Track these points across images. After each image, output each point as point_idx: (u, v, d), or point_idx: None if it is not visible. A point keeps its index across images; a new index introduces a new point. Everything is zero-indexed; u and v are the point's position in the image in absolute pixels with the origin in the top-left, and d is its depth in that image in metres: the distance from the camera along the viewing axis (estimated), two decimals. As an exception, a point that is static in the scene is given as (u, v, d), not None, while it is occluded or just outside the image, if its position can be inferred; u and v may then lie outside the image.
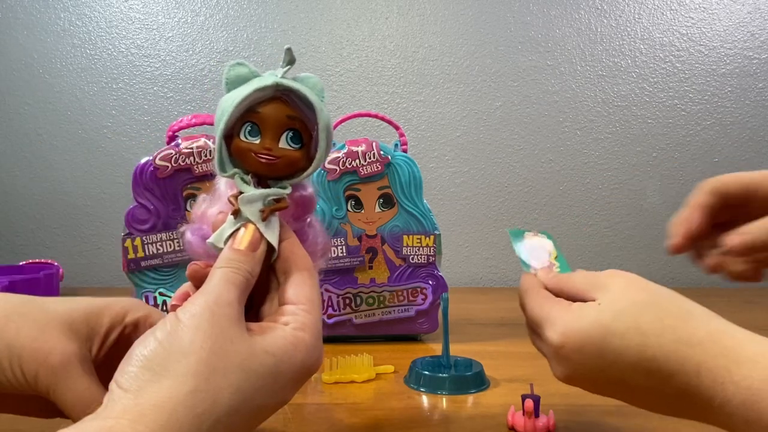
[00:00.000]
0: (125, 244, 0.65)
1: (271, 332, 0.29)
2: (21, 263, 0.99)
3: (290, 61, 0.34)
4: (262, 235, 0.33)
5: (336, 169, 0.69)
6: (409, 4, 1.19)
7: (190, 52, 1.18)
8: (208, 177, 0.65)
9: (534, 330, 0.39)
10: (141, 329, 0.34)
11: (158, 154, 0.65)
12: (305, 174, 0.35)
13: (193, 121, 0.65)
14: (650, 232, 1.21)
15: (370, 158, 0.69)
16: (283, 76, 0.33)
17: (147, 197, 0.65)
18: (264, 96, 0.33)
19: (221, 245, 0.32)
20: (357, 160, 0.69)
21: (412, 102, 1.20)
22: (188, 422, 0.24)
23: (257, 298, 0.34)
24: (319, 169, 0.36)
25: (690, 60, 1.20)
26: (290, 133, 0.33)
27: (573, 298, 0.37)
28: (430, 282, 0.71)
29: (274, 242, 0.33)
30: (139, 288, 0.66)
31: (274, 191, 0.33)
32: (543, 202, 1.22)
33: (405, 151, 0.73)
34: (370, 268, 0.71)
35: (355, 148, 0.69)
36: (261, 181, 0.34)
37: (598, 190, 1.21)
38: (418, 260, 0.71)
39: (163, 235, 0.65)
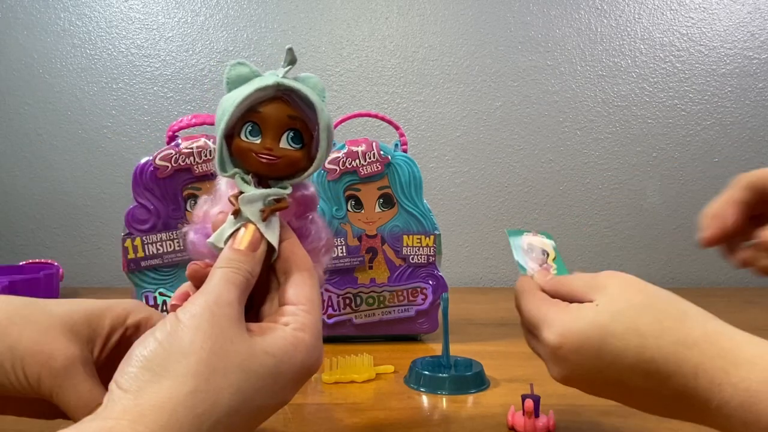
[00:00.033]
0: (125, 244, 0.65)
1: (271, 333, 0.29)
2: (21, 263, 0.99)
3: (291, 61, 0.34)
4: (262, 235, 0.33)
5: (336, 169, 0.69)
6: (409, 4, 1.19)
7: (190, 52, 1.18)
8: (208, 177, 0.65)
9: (530, 331, 0.39)
10: (142, 331, 0.34)
11: (158, 154, 0.65)
12: (306, 174, 0.35)
13: (193, 121, 0.65)
14: (650, 232, 1.21)
15: (370, 158, 0.69)
16: (284, 76, 0.33)
17: (147, 197, 0.65)
18: (265, 96, 0.33)
19: (221, 245, 0.32)
20: (357, 160, 0.69)
21: (412, 102, 1.20)
22: (188, 423, 0.24)
23: (257, 298, 0.34)
24: (319, 169, 0.36)
25: (690, 60, 1.20)
26: (291, 133, 0.33)
27: (570, 300, 0.37)
28: (430, 282, 0.71)
29: (275, 242, 0.33)
30: (139, 288, 0.66)
31: (274, 191, 0.33)
32: (543, 202, 1.22)
33: (405, 151, 0.73)
34: (370, 268, 0.71)
35: (355, 148, 0.69)
36: (261, 181, 0.34)
37: (598, 190, 1.22)
38: (418, 260, 0.71)
39: (163, 235, 0.65)
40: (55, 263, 0.98)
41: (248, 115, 0.33)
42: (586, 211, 1.22)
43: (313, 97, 0.33)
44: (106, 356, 0.34)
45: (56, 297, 0.90)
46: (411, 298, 0.71)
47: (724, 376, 0.29)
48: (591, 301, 0.35)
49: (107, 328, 0.34)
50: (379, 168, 0.70)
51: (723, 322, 0.32)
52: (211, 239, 0.33)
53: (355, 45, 1.19)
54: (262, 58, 1.17)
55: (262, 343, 0.28)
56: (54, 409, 0.32)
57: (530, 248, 0.44)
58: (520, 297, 0.40)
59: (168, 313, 0.29)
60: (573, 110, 1.21)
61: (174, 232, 0.65)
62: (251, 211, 0.33)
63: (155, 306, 0.65)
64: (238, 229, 0.33)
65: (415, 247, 0.71)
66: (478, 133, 1.20)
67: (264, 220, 0.33)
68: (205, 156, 0.65)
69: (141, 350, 0.26)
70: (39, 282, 0.86)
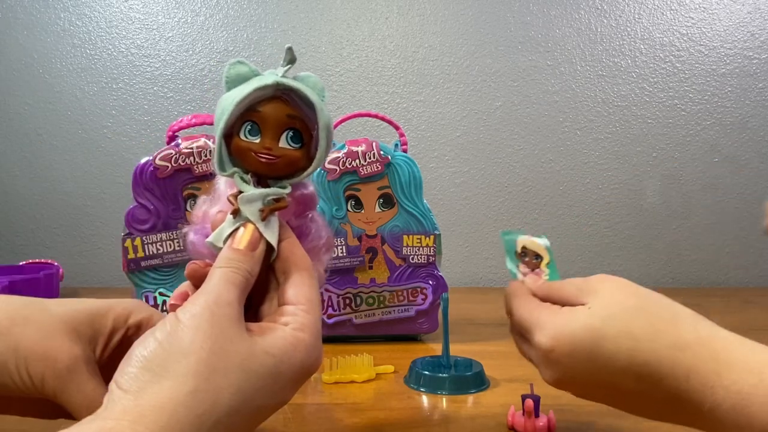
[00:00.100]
0: (125, 244, 0.65)
1: (270, 333, 0.29)
2: (21, 263, 0.99)
3: (291, 60, 0.34)
4: (261, 235, 0.32)
5: (336, 169, 0.69)
6: (409, 4, 1.19)
7: (190, 52, 1.18)
8: (208, 177, 0.65)
9: (522, 335, 0.39)
10: (143, 331, 0.34)
11: (158, 154, 0.65)
12: (305, 174, 0.35)
13: (193, 121, 0.65)
14: (650, 232, 1.21)
15: (370, 158, 0.69)
16: (283, 76, 0.33)
17: (147, 197, 0.65)
18: (264, 95, 0.33)
19: (220, 244, 0.32)
20: (357, 160, 0.69)
21: (412, 102, 1.20)
22: (189, 423, 0.24)
23: (256, 297, 0.34)
24: (318, 168, 0.35)
25: (690, 60, 1.20)
26: (290, 133, 0.33)
27: (562, 304, 0.37)
28: (430, 282, 0.71)
29: (274, 242, 0.33)
30: (139, 288, 0.66)
31: (273, 191, 0.33)
32: (543, 202, 1.22)
33: (405, 151, 0.73)
34: (370, 268, 0.71)
35: (355, 148, 0.69)
36: (261, 181, 0.34)
37: (598, 190, 1.21)
38: (418, 260, 0.71)
39: (163, 235, 0.65)
40: (55, 263, 0.98)
41: (247, 114, 0.33)
42: (586, 211, 1.22)
43: (313, 96, 0.33)
44: (108, 356, 0.34)
45: (56, 297, 0.90)
46: (411, 298, 0.71)
47: (717, 379, 0.29)
48: (583, 305, 0.35)
49: (109, 327, 0.34)
50: (379, 168, 0.70)
51: (715, 325, 0.32)
52: (210, 239, 0.33)
53: (355, 45, 1.19)
54: (262, 58, 1.17)
55: (262, 343, 0.28)
56: (57, 409, 0.32)
57: (524, 252, 0.44)
58: (511, 301, 0.40)
59: (167, 312, 0.29)
60: (573, 110, 1.20)
61: (174, 232, 0.65)
62: (250, 211, 0.33)
63: (155, 306, 0.65)
64: (237, 229, 0.33)
65: (415, 247, 0.71)
66: (478, 133, 1.20)
67: (263, 219, 0.33)
68: (205, 156, 0.65)
69: (141, 350, 0.26)
70: (39, 282, 0.86)
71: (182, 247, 0.65)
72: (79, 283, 1.15)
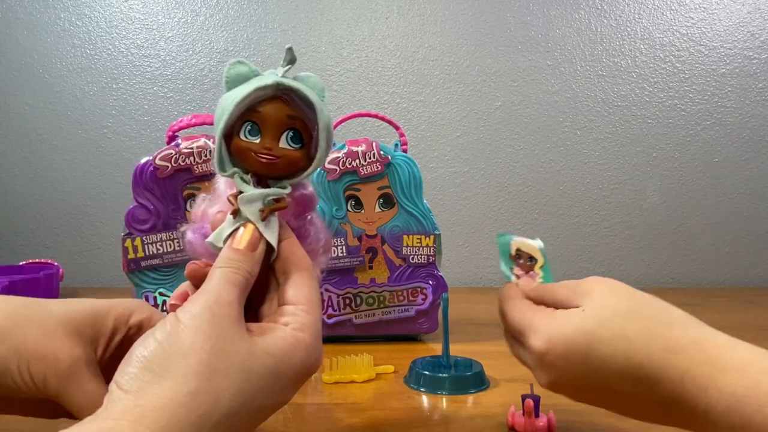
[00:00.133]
0: (125, 244, 0.65)
1: (271, 333, 0.29)
2: (21, 263, 0.99)
3: (291, 60, 0.34)
4: (261, 235, 0.32)
5: (336, 169, 0.69)
6: (409, 4, 1.19)
7: (190, 52, 1.18)
8: (208, 177, 0.65)
9: (515, 338, 0.38)
10: (143, 330, 0.34)
11: (158, 154, 0.65)
12: (305, 174, 0.35)
13: (193, 121, 0.65)
14: (650, 232, 1.21)
15: (370, 158, 0.69)
16: (283, 76, 0.33)
17: (147, 197, 0.65)
18: (264, 95, 0.33)
19: (220, 245, 0.32)
20: (357, 160, 0.69)
21: (412, 102, 1.20)
22: (189, 423, 0.24)
23: (256, 298, 0.34)
24: (319, 168, 0.35)
25: (690, 60, 1.20)
26: (290, 133, 0.33)
27: (555, 307, 0.37)
28: (430, 282, 0.71)
29: (274, 242, 0.33)
30: (139, 288, 0.66)
31: (273, 191, 0.33)
32: (543, 202, 1.22)
33: (405, 151, 0.73)
34: (370, 268, 0.71)
35: (355, 148, 0.69)
36: (261, 181, 0.34)
37: (598, 190, 1.21)
38: (418, 260, 0.71)
39: (163, 235, 0.65)
40: (55, 263, 0.98)
41: (247, 114, 0.33)
42: (586, 211, 1.22)
43: (313, 96, 0.33)
44: (109, 356, 0.34)
45: (56, 297, 0.90)
46: (411, 298, 0.71)
47: (711, 382, 0.29)
48: (577, 307, 0.35)
49: (110, 327, 0.34)
50: (379, 168, 0.70)
51: (708, 327, 0.32)
52: (210, 239, 0.33)
53: (355, 45, 1.19)
54: (262, 58, 1.17)
55: (262, 343, 0.28)
56: (58, 409, 0.32)
57: (518, 254, 0.44)
58: (504, 304, 0.40)
59: (167, 313, 0.29)
60: (573, 110, 1.20)
61: (174, 232, 0.65)
62: (250, 211, 0.33)
63: (155, 306, 0.65)
64: (237, 229, 0.33)
65: (415, 247, 0.71)
66: (478, 133, 1.20)
67: (263, 219, 0.33)
68: (205, 156, 0.65)
69: (141, 350, 0.26)
70: (39, 282, 0.86)
71: (182, 247, 0.65)
72: (79, 283, 1.15)
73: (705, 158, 1.20)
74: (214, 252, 0.33)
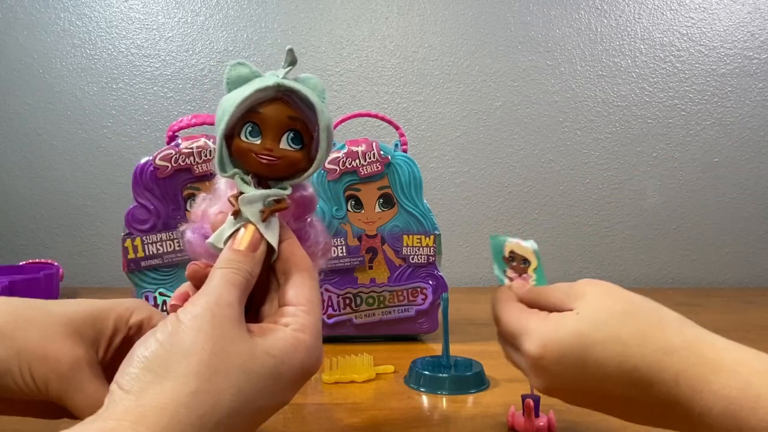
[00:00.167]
0: (125, 244, 0.65)
1: (271, 333, 0.29)
2: (21, 263, 0.99)
3: (292, 61, 0.34)
4: (262, 236, 0.33)
5: (336, 169, 0.69)
6: (409, 4, 1.19)
7: (190, 52, 1.18)
8: (208, 177, 0.65)
9: (509, 342, 0.38)
10: (144, 331, 0.34)
11: (158, 154, 0.65)
12: (306, 175, 0.35)
13: (193, 121, 0.65)
14: (650, 232, 1.21)
15: (370, 158, 0.69)
16: (284, 77, 0.33)
17: (147, 197, 0.65)
18: (265, 96, 0.33)
19: (221, 245, 0.32)
20: (357, 160, 0.69)
21: (412, 102, 1.20)
22: (190, 424, 0.24)
23: (257, 298, 0.34)
24: (319, 169, 0.36)
25: (690, 60, 1.20)
26: (291, 134, 0.33)
27: (549, 310, 0.37)
28: (430, 282, 0.71)
29: (274, 243, 0.33)
30: (139, 288, 0.66)
31: (274, 192, 0.33)
32: (543, 202, 1.22)
33: (405, 151, 0.73)
34: (370, 268, 0.71)
35: (355, 148, 0.69)
36: (261, 182, 0.34)
37: (598, 190, 1.22)
38: (418, 260, 0.71)
39: (163, 235, 0.65)
40: (55, 263, 0.98)
41: (248, 115, 0.33)
42: (586, 211, 1.22)
43: (313, 98, 0.33)
44: (110, 356, 0.34)
45: (56, 297, 0.90)
46: (411, 298, 0.71)
47: (705, 384, 0.29)
48: (571, 310, 0.35)
49: (111, 328, 0.34)
50: (379, 168, 0.70)
51: (702, 329, 0.32)
52: (210, 239, 0.33)
53: (355, 45, 1.19)
54: (262, 58, 1.17)
55: (262, 343, 0.28)
56: (59, 409, 0.32)
57: (511, 257, 0.44)
58: (497, 308, 0.40)
59: (168, 313, 0.29)
60: (573, 110, 1.21)
61: (174, 232, 0.65)
62: (251, 212, 0.33)
63: (155, 306, 0.65)
64: (237, 230, 0.33)
65: (415, 247, 0.71)
66: (478, 133, 1.20)
67: (264, 220, 0.33)
68: (205, 156, 0.65)
69: (142, 351, 0.26)
70: (39, 282, 0.86)
71: (182, 247, 0.65)
72: (79, 283, 1.15)
73: (705, 158, 1.20)
74: (214, 252, 0.33)
